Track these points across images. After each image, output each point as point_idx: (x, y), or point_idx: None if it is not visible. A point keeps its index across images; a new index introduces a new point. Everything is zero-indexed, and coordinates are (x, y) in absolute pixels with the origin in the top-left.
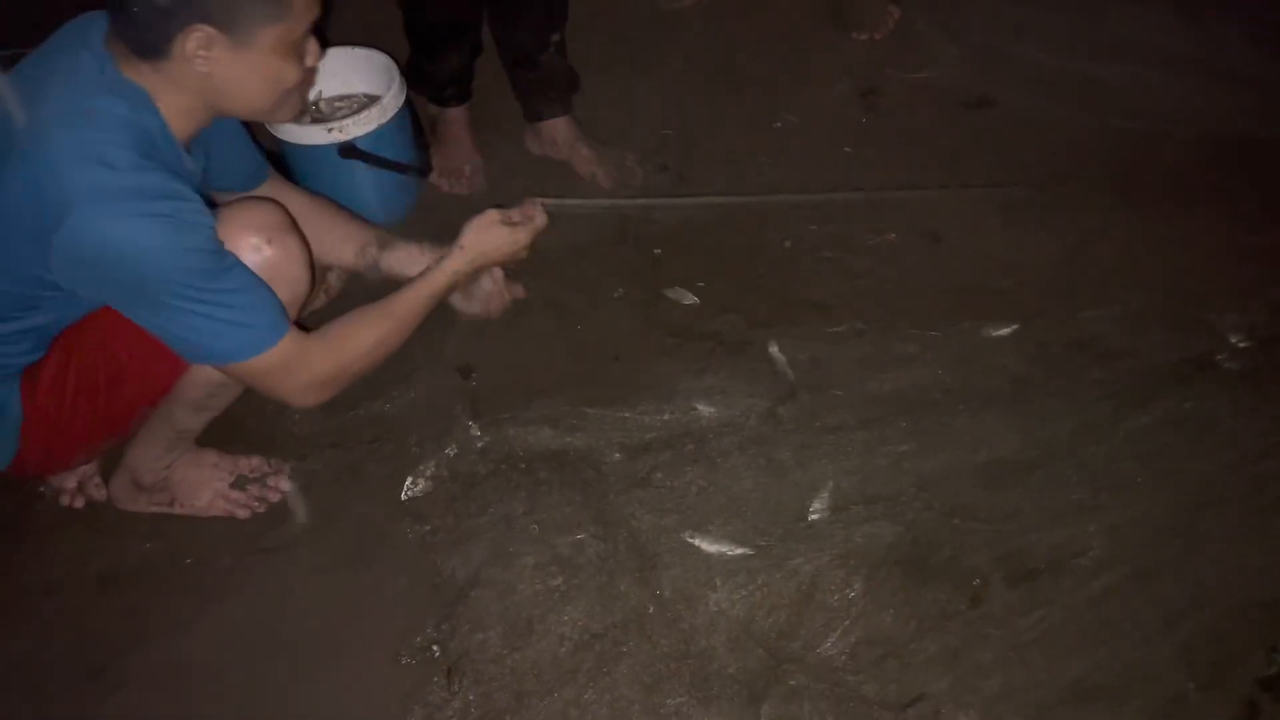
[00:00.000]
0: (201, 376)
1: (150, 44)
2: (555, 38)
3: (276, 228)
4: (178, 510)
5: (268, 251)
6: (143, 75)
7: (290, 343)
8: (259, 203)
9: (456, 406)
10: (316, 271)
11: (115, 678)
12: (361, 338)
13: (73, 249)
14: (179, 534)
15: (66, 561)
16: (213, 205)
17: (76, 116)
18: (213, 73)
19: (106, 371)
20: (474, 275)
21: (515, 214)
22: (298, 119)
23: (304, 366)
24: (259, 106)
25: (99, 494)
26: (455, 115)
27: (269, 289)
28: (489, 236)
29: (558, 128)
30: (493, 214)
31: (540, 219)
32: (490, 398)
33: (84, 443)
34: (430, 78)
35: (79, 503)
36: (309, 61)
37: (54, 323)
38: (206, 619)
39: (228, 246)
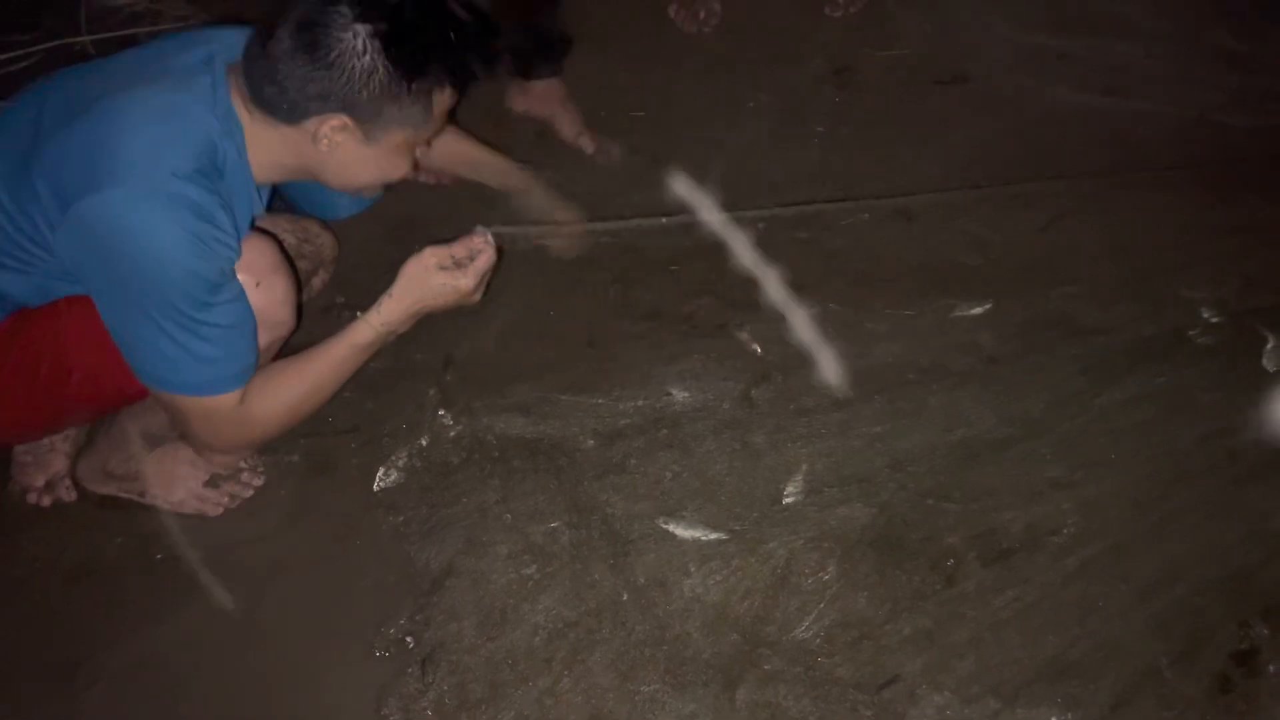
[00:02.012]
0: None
1: (283, 110)
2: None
3: (267, 269)
4: (147, 501)
5: (256, 295)
6: (252, 118)
7: (235, 399)
8: (254, 241)
9: (428, 395)
10: (304, 281)
11: (88, 675)
12: (279, 402)
13: (91, 221)
14: (150, 528)
15: (36, 557)
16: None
17: (168, 109)
18: (332, 155)
19: (50, 363)
20: (410, 323)
21: (459, 249)
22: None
23: (234, 424)
24: (359, 188)
25: (69, 496)
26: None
27: (252, 338)
28: (425, 285)
29: (551, 87)
30: (429, 257)
31: (485, 258)
32: (462, 386)
33: (10, 424)
34: None
35: (45, 501)
36: (419, 158)
37: (22, 294)
38: (179, 614)
39: None
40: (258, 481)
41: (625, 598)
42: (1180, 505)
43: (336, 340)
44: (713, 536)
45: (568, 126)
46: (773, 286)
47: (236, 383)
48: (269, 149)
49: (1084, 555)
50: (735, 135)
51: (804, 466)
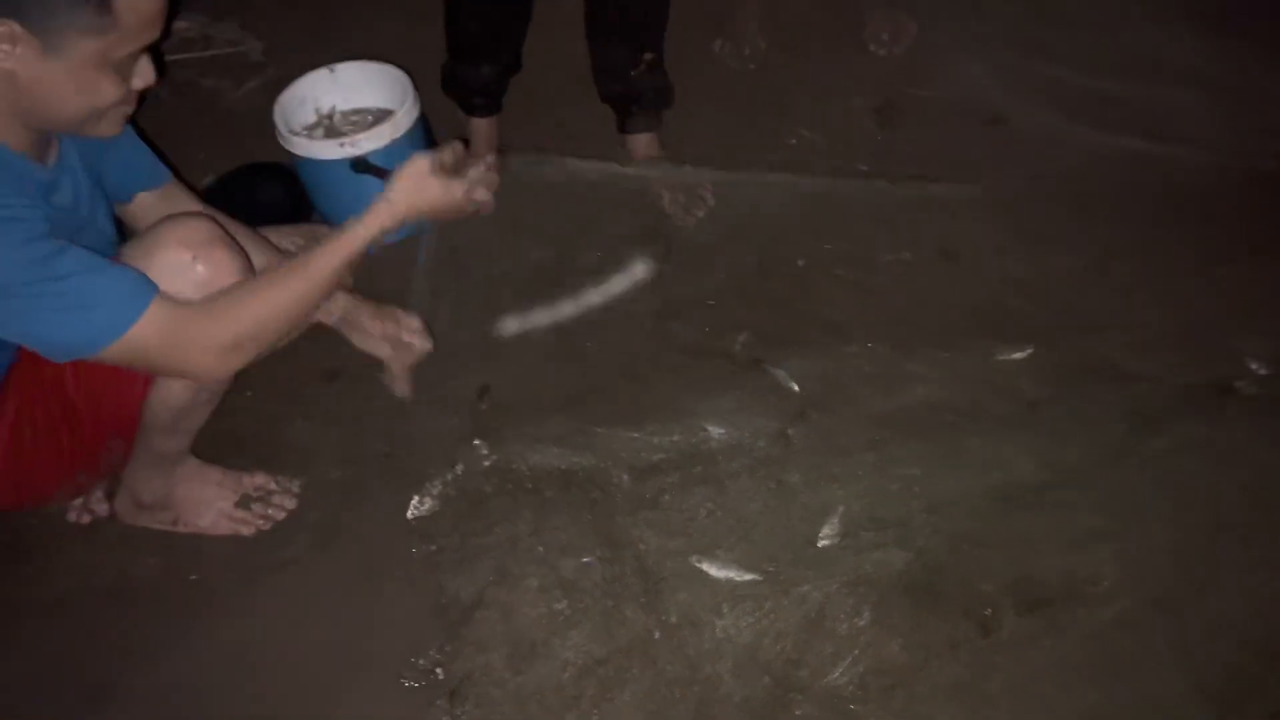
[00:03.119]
0: (161, 402)
1: None
2: (648, 56)
3: (205, 243)
4: (180, 529)
5: (199, 269)
6: None
7: (161, 310)
8: (186, 217)
9: (464, 424)
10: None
11: (121, 696)
12: (272, 296)
13: None
14: (184, 550)
15: (71, 577)
16: (121, 227)
17: None
18: (16, 71)
19: (61, 412)
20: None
21: (446, 154)
22: (310, 134)
23: (195, 332)
24: (68, 118)
25: (102, 509)
26: (478, 126)
27: (119, 266)
28: (422, 190)
29: (637, 143)
30: (422, 162)
31: (483, 177)
32: (497, 415)
33: (56, 481)
34: (460, 83)
35: (84, 519)
36: (137, 83)
37: None
38: (211, 638)
39: (156, 265)
40: (290, 503)
41: (656, 636)
42: (1224, 560)
43: (333, 244)
44: (746, 577)
45: (654, 184)
46: (811, 324)
47: (140, 298)
48: None
49: (1124, 607)
50: (781, 174)
51: (840, 508)
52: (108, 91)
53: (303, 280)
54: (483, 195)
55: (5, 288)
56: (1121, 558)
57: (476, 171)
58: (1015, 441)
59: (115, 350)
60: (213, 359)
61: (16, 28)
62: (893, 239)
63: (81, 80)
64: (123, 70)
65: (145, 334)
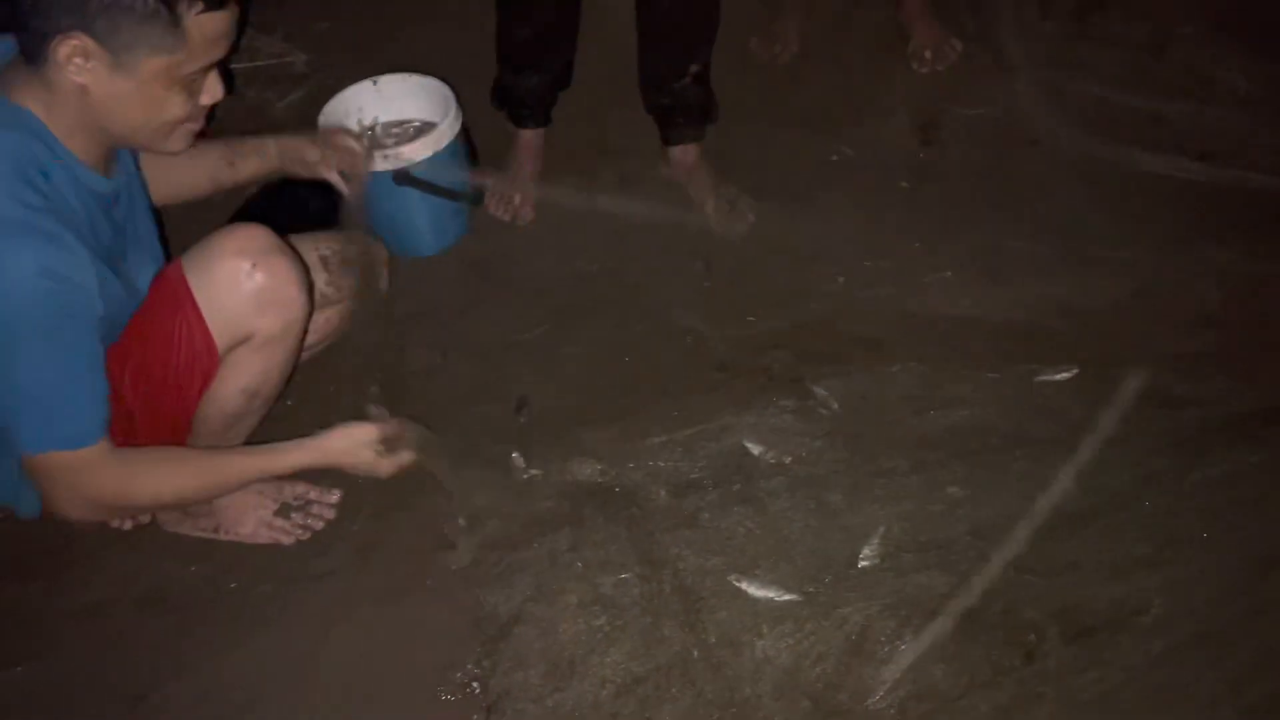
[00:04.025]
0: (215, 410)
1: (32, 48)
2: (694, 68)
3: (263, 251)
4: (222, 536)
5: (259, 277)
6: (31, 96)
7: (95, 454)
8: (244, 226)
9: (504, 438)
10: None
11: (155, 703)
12: (169, 481)
13: None
14: (223, 557)
15: (111, 583)
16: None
17: None
18: (88, 86)
19: (117, 420)
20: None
21: (390, 430)
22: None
23: (94, 483)
24: (136, 133)
25: (145, 515)
26: (526, 138)
27: (106, 389)
28: (354, 455)
29: (685, 153)
30: (369, 433)
31: (406, 458)
32: (536, 430)
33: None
34: (509, 94)
35: (127, 524)
36: (204, 99)
37: None
38: (248, 646)
39: (216, 274)
40: (329, 513)
41: (695, 655)
42: (1275, 592)
43: (252, 458)
44: (786, 597)
45: (696, 194)
46: (852, 342)
47: (96, 434)
48: (60, 113)
49: (1171, 639)
50: (821, 192)
51: (881, 529)
52: (176, 108)
53: (206, 481)
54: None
55: (25, 333)
56: (1169, 588)
57: (407, 458)
58: (1060, 466)
59: (39, 457)
60: (85, 509)
61: (89, 43)
62: (934, 258)
63: (150, 96)
64: (191, 87)
65: (69, 459)
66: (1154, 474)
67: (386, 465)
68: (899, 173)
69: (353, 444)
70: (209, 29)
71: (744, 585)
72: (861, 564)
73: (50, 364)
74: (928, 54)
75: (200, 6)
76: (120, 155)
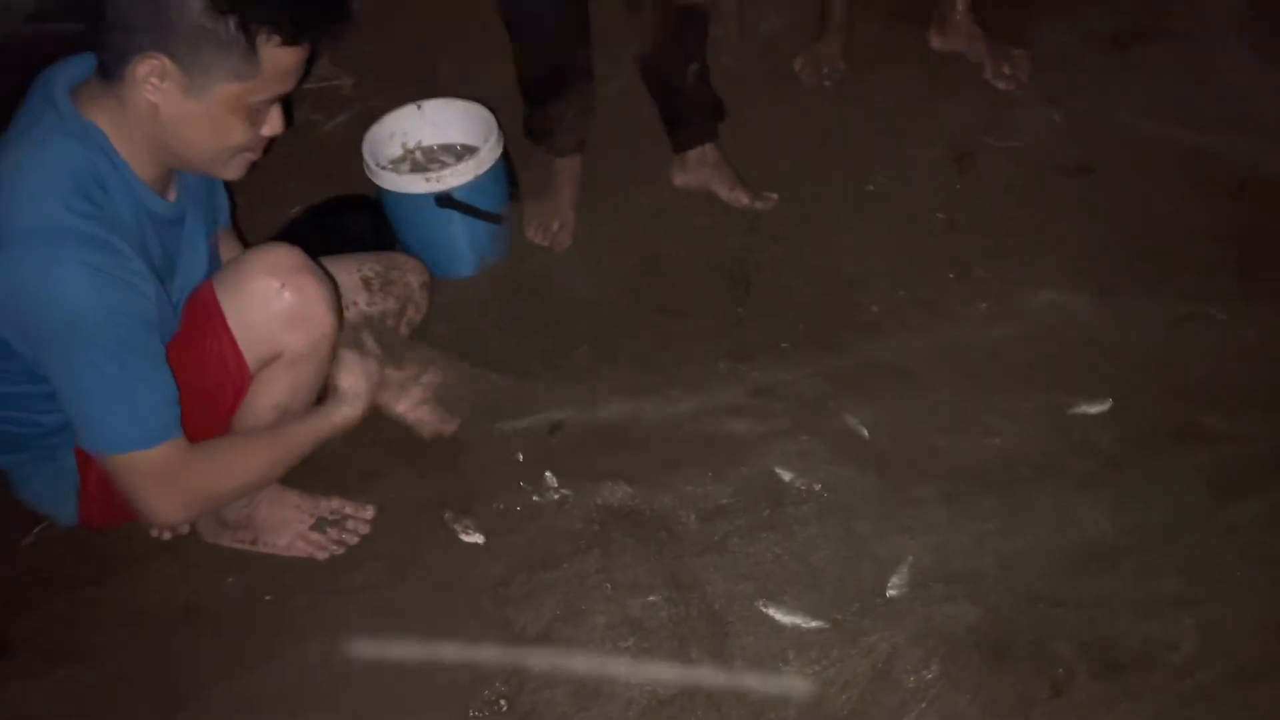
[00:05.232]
0: (251, 421)
1: (110, 64)
2: (694, 67)
3: (291, 270)
4: (259, 549)
5: (287, 295)
6: (102, 113)
7: (176, 450)
8: (275, 246)
9: (535, 457)
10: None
11: (194, 711)
12: (245, 465)
13: (1, 288)
14: (260, 570)
15: (152, 592)
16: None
17: (24, 160)
18: (160, 106)
19: None
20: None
21: (360, 337)
22: (397, 168)
23: (180, 479)
24: (198, 156)
25: (184, 527)
26: (561, 165)
27: (175, 389)
28: (365, 374)
29: (703, 153)
30: (350, 354)
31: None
32: (568, 451)
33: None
34: (538, 126)
35: (166, 535)
36: (265, 130)
37: (21, 422)
38: (282, 657)
39: (246, 293)
40: (363, 529)
41: (721, 680)
42: None
43: (309, 423)
44: (813, 625)
45: (723, 189)
46: (885, 371)
47: (173, 430)
48: (129, 131)
49: (1204, 678)
50: (857, 220)
51: (910, 559)
52: (239, 135)
53: (283, 448)
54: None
55: (77, 338)
56: (1202, 627)
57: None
58: (1093, 499)
59: (121, 459)
60: (178, 510)
61: (168, 63)
62: (969, 288)
63: (217, 121)
64: (255, 116)
65: (153, 459)
66: (1190, 510)
67: (374, 363)
68: (935, 203)
69: (354, 366)
70: (281, 62)
71: (771, 611)
72: (889, 593)
73: (117, 364)
74: (1007, 70)
75: (278, 39)
76: (186, 186)
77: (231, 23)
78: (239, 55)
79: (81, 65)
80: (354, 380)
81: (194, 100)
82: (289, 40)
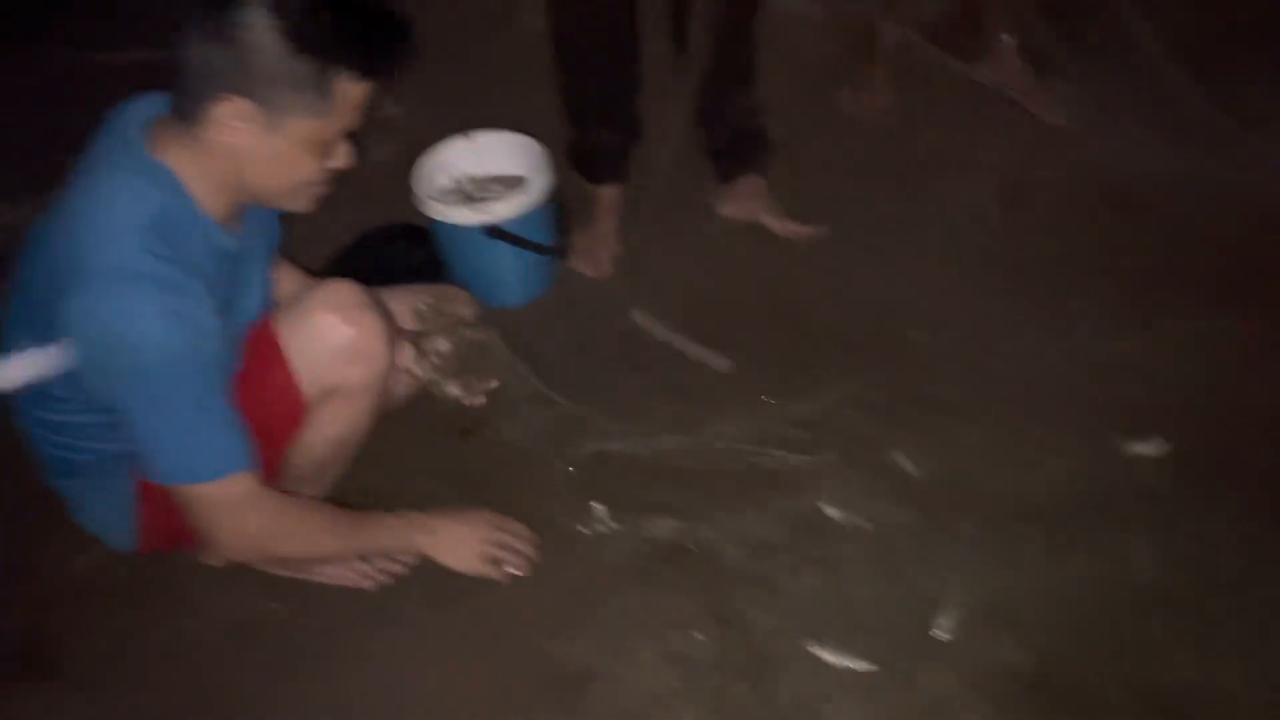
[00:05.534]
0: (306, 452)
1: (188, 105)
2: (743, 99)
3: (354, 306)
4: (307, 576)
5: (347, 331)
6: (175, 153)
7: (253, 480)
8: (334, 282)
9: (578, 489)
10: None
11: None
12: (314, 535)
13: (74, 326)
14: (308, 597)
15: (198, 617)
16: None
17: (99, 200)
18: (238, 145)
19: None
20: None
21: (513, 541)
22: (446, 198)
23: (254, 512)
24: (271, 191)
25: None
26: (603, 195)
27: (238, 420)
28: (462, 544)
29: (751, 186)
30: (483, 533)
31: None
32: (612, 482)
33: None
34: (583, 152)
35: (217, 561)
36: (334, 163)
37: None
38: (330, 685)
39: (304, 325)
40: (410, 559)
41: (765, 718)
42: None
43: (384, 526)
44: (858, 665)
45: (772, 220)
46: (930, 403)
47: (248, 461)
48: (203, 170)
49: None
50: (903, 249)
51: (957, 599)
52: (310, 170)
53: (349, 541)
54: None
55: (153, 376)
56: (1266, 680)
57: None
58: (1146, 540)
59: (198, 489)
60: (247, 543)
61: (248, 105)
62: (1017, 320)
63: (291, 158)
64: (327, 151)
65: (230, 489)
66: (1249, 557)
67: (497, 571)
68: (981, 235)
69: (468, 547)
70: (353, 96)
71: (816, 650)
72: (937, 634)
73: (191, 403)
74: (1053, 102)
75: (351, 75)
76: (249, 219)
77: (310, 63)
78: (315, 93)
79: (153, 103)
80: (445, 522)
81: (271, 138)
82: (363, 75)
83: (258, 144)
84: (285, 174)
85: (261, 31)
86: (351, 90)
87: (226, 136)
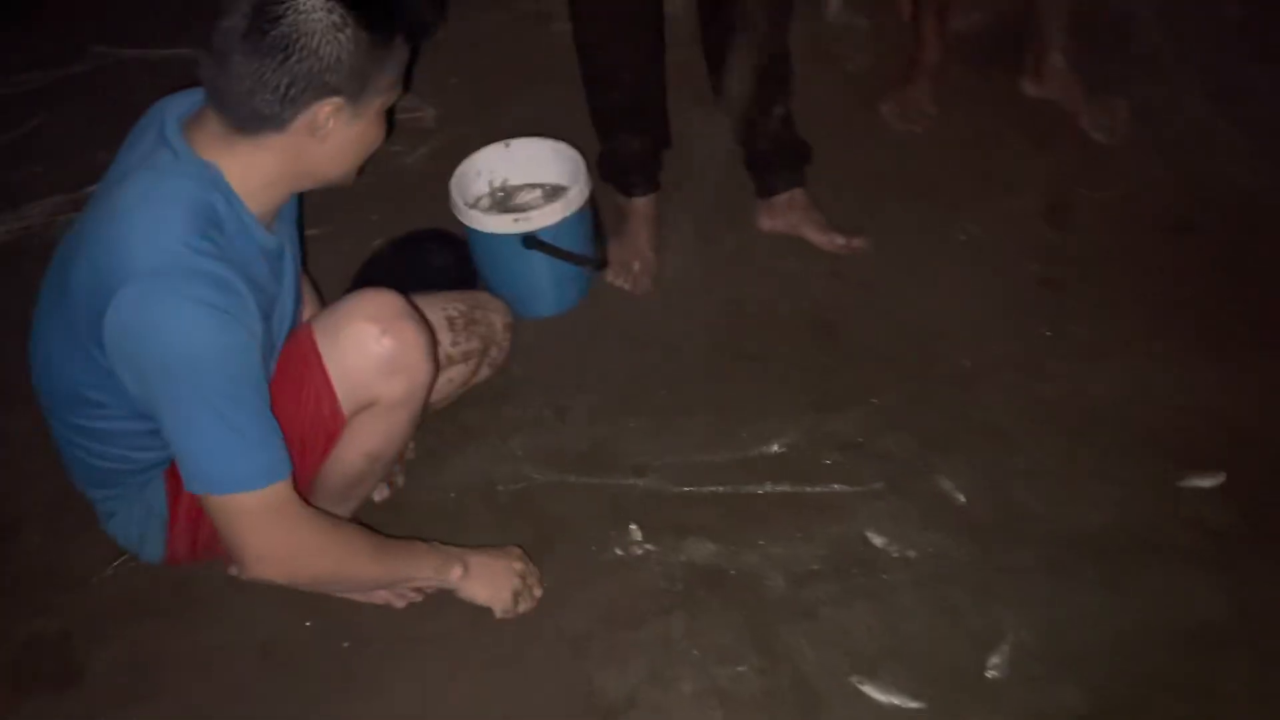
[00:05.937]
0: (338, 469)
1: (270, 120)
2: (779, 110)
3: (394, 316)
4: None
5: (386, 342)
6: (218, 151)
7: (288, 490)
8: (375, 292)
9: (620, 510)
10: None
11: None
12: (351, 549)
13: (118, 324)
14: (338, 614)
15: (228, 630)
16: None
17: (141, 199)
18: (327, 145)
19: None
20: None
21: (534, 582)
22: (482, 205)
23: (288, 526)
24: (345, 172)
25: None
26: (637, 206)
27: (277, 427)
28: (497, 579)
29: (792, 199)
30: (518, 569)
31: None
32: (652, 503)
33: None
34: (614, 164)
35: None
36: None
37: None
38: (360, 704)
39: (343, 336)
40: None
41: None
42: None
43: (417, 556)
44: (909, 704)
45: (815, 234)
46: (978, 429)
47: (283, 471)
48: (259, 171)
49: None
50: (947, 270)
51: (1010, 635)
52: (380, 137)
53: (383, 570)
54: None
55: (193, 377)
56: None
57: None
58: (1204, 578)
59: (231, 498)
60: (279, 557)
61: (341, 101)
62: (1065, 345)
63: (369, 135)
64: (384, 116)
65: (264, 499)
66: None
67: (523, 605)
68: (1028, 255)
69: (500, 570)
70: (401, 58)
71: (865, 688)
72: (989, 673)
73: (232, 402)
74: (1106, 121)
75: (404, 37)
76: (283, 217)
77: (379, 38)
78: (389, 66)
79: (190, 99)
80: (480, 558)
81: (354, 124)
82: (414, 37)
83: (346, 131)
84: (360, 152)
85: (326, 27)
86: (401, 52)
87: (322, 137)
